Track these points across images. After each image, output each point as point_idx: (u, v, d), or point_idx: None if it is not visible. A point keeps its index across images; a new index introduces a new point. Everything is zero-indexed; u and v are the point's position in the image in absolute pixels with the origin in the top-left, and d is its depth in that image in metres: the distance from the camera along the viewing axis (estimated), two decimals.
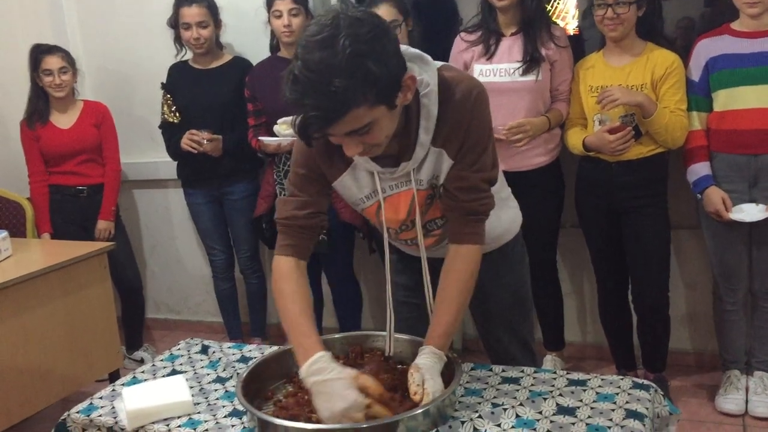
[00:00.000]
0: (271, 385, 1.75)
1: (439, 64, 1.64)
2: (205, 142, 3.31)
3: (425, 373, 1.54)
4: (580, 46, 3.05)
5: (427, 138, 1.60)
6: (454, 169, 1.64)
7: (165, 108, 3.50)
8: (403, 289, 1.94)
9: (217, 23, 3.43)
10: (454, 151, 1.62)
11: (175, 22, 3.38)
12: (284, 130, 3.03)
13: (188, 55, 3.51)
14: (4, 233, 2.91)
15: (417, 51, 1.60)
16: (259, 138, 3.14)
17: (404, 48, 1.55)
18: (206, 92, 3.42)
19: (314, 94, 1.36)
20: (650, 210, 2.78)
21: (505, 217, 1.91)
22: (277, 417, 1.53)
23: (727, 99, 2.68)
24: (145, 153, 4.03)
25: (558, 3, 3.19)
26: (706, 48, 2.71)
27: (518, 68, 2.82)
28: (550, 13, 3.09)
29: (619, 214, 2.84)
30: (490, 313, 1.98)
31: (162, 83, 3.52)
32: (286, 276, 1.68)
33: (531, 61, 2.81)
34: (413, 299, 1.90)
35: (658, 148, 2.74)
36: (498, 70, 2.86)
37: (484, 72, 2.87)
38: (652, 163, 2.75)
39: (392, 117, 1.50)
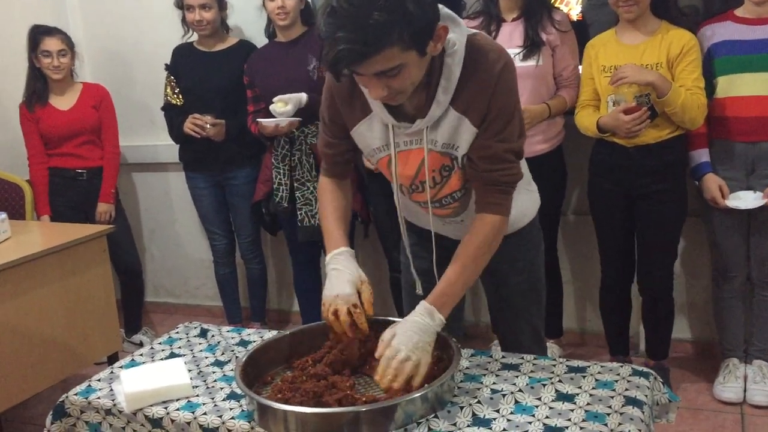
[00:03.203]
0: (270, 370, 1.75)
1: (472, 30, 1.65)
2: (208, 126, 3.29)
3: (397, 328, 1.59)
4: (583, 31, 3.02)
5: (445, 98, 1.60)
6: (479, 138, 1.64)
7: (168, 90, 3.48)
8: (418, 273, 1.94)
9: (222, 5, 3.39)
10: (479, 118, 1.62)
11: (181, 3, 3.36)
12: (280, 108, 3.01)
13: (194, 37, 3.49)
14: (3, 215, 2.90)
15: (450, 12, 1.60)
16: (257, 120, 3.12)
17: (439, 6, 1.55)
18: (210, 75, 3.39)
19: (351, 26, 1.38)
20: (668, 195, 2.74)
21: (521, 201, 1.88)
22: (270, 399, 1.53)
23: (728, 86, 2.67)
24: (145, 136, 4.02)
25: None
26: (709, 34, 2.70)
27: (518, 53, 2.80)
28: None
29: (633, 199, 2.80)
30: (503, 296, 1.98)
31: (166, 64, 3.50)
32: (323, 190, 1.90)
33: (531, 46, 2.79)
34: (426, 283, 1.90)
35: (675, 131, 2.68)
36: None
37: None
38: (670, 146, 2.70)
39: (420, 65, 1.52)
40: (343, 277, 1.69)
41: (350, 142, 1.81)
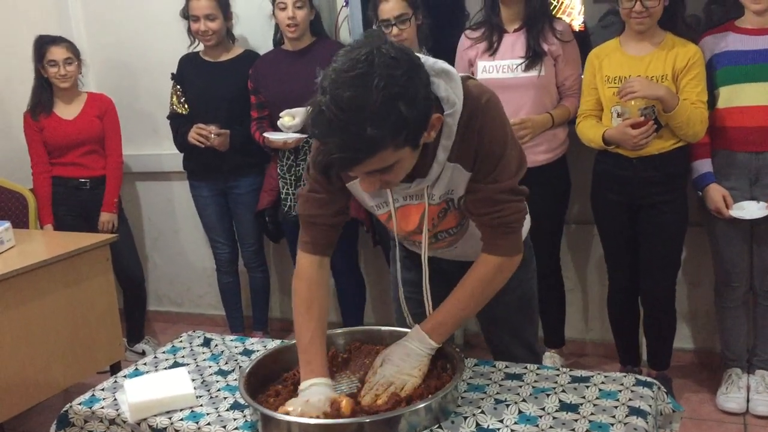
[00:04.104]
0: (273, 381, 1.74)
1: (463, 75, 1.59)
2: (212, 136, 3.30)
3: (386, 355, 1.61)
4: (585, 41, 3.03)
5: (444, 156, 1.56)
6: (471, 180, 1.60)
7: (174, 99, 3.49)
8: (409, 284, 1.94)
9: (227, 16, 3.40)
10: (470, 163, 1.58)
11: (186, 13, 3.37)
12: (288, 122, 3.01)
13: (200, 47, 3.50)
14: (7, 224, 2.91)
15: (443, 65, 1.52)
16: (265, 134, 3.13)
17: (431, 62, 1.51)
18: (215, 85, 3.40)
19: (341, 134, 1.32)
20: (672, 206, 2.74)
21: None
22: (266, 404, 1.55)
23: (730, 96, 2.67)
24: (148, 145, 4.02)
25: None
26: (711, 44, 2.70)
27: (520, 64, 2.81)
28: (555, 9, 3.08)
29: (637, 209, 2.80)
30: (495, 315, 1.97)
31: (172, 74, 3.51)
32: (305, 279, 1.74)
33: (533, 57, 2.80)
34: (418, 295, 1.90)
35: (678, 142, 2.68)
36: (501, 67, 2.84)
37: (487, 68, 2.86)
38: (674, 157, 2.70)
39: (414, 155, 1.48)
40: (319, 400, 1.54)
41: (344, 196, 1.70)
